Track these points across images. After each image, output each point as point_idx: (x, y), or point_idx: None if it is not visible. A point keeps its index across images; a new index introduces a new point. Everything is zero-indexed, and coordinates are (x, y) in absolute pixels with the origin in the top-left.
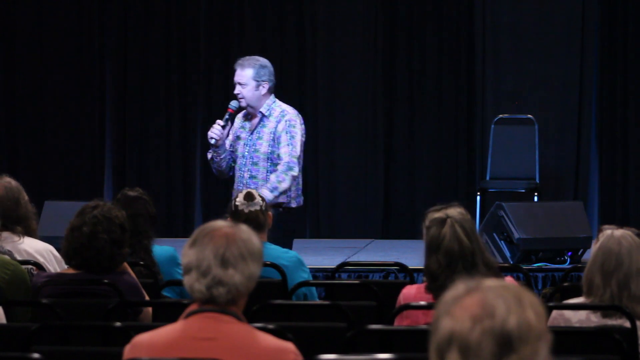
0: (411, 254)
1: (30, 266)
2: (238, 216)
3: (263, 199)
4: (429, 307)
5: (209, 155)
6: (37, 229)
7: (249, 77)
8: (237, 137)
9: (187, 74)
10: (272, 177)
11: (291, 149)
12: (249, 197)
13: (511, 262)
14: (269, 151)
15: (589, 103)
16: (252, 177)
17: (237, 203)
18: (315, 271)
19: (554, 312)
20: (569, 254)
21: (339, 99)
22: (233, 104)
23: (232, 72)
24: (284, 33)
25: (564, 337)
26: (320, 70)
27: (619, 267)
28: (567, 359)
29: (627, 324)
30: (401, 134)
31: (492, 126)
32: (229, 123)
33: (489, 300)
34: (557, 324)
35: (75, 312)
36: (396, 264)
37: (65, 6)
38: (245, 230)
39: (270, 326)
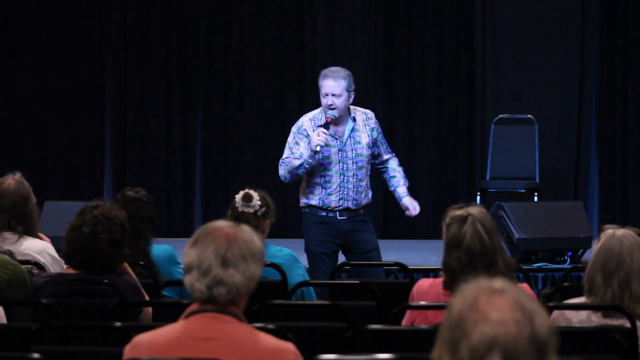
0: (411, 254)
1: (30, 266)
2: (233, 213)
3: (264, 204)
4: (429, 307)
5: (297, 162)
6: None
7: (343, 88)
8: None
9: (187, 74)
10: (398, 167)
11: (387, 144)
12: (247, 198)
13: None
14: (369, 153)
15: (589, 103)
16: (359, 180)
17: (235, 200)
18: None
19: (555, 312)
20: (569, 254)
21: None
22: (331, 114)
23: (232, 72)
24: (284, 33)
25: (564, 337)
26: (320, 70)
27: (620, 266)
28: (567, 359)
29: (628, 324)
30: (401, 134)
31: (492, 126)
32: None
33: (523, 303)
34: (558, 324)
35: (75, 312)
36: (396, 264)
37: (65, 6)
38: (246, 230)
39: (270, 326)
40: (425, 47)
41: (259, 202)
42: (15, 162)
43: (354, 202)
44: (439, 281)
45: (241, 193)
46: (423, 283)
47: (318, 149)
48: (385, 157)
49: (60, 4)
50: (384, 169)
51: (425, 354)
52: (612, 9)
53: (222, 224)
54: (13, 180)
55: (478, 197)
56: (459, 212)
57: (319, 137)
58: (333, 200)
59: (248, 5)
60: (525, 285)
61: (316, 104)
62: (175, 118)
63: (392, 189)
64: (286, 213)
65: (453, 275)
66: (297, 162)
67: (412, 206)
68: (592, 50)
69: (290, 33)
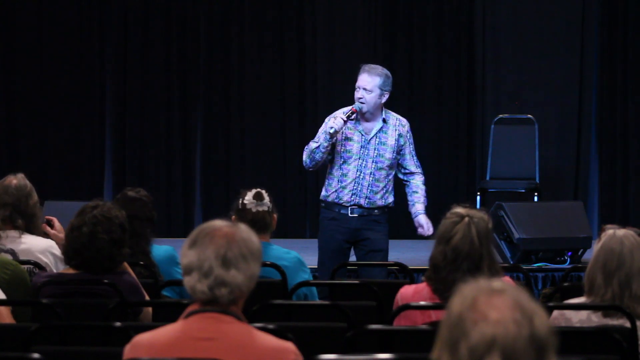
0: (411, 254)
1: (30, 266)
2: (244, 215)
3: (271, 200)
4: (429, 307)
5: (314, 145)
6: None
7: (376, 85)
8: (347, 138)
9: (187, 74)
10: (422, 185)
11: (416, 158)
12: (259, 196)
13: (511, 262)
14: (392, 157)
15: (589, 103)
16: (375, 180)
17: (245, 201)
18: (315, 271)
19: (555, 312)
20: (569, 254)
21: (339, 98)
22: (358, 105)
23: (232, 72)
24: (284, 33)
25: (564, 337)
26: (320, 70)
27: (620, 266)
28: (567, 359)
29: (628, 324)
30: None
31: (492, 126)
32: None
33: (523, 303)
34: (558, 324)
35: (75, 312)
36: (396, 264)
37: (65, 7)
38: (244, 229)
39: (270, 326)
40: (425, 47)
41: (269, 198)
42: (15, 162)
43: (367, 200)
44: (422, 286)
45: (250, 194)
46: (406, 290)
47: (332, 131)
48: (411, 169)
49: (60, 4)
50: (406, 183)
51: (425, 354)
52: (612, 9)
53: (219, 223)
54: (15, 178)
55: (478, 197)
56: (459, 210)
57: (335, 121)
58: (346, 194)
59: (248, 5)
60: (506, 279)
61: (316, 104)
62: (175, 118)
63: (411, 204)
64: (286, 213)
65: (436, 269)
66: (314, 145)
67: (427, 226)
68: (592, 50)
69: (290, 33)
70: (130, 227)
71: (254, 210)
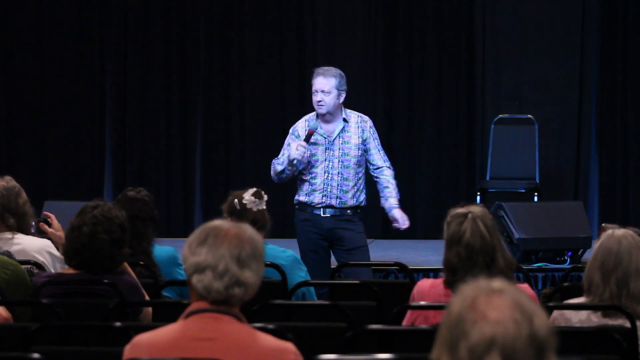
0: (411, 254)
1: (30, 266)
2: (244, 215)
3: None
4: (427, 307)
5: (279, 168)
6: (34, 229)
7: (333, 86)
8: (312, 143)
9: (187, 74)
10: (392, 180)
11: (383, 152)
12: (259, 195)
13: None
14: (358, 154)
15: (589, 103)
16: (344, 179)
17: (245, 202)
18: None
19: (555, 312)
20: (569, 254)
21: None
22: (313, 125)
23: (232, 72)
24: (284, 33)
25: (564, 337)
26: None
27: (618, 265)
28: (567, 359)
29: (628, 324)
30: (401, 134)
31: (492, 126)
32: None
33: (522, 303)
34: (558, 324)
35: (75, 312)
36: (396, 264)
37: (65, 7)
38: (250, 229)
39: (270, 326)
40: (425, 47)
41: (266, 197)
42: (15, 162)
43: (338, 200)
44: (439, 281)
45: (248, 194)
46: (423, 284)
47: (295, 162)
48: (379, 164)
49: (60, 4)
50: (377, 178)
51: (425, 354)
52: (612, 9)
53: (226, 223)
54: (3, 180)
55: (478, 197)
56: (460, 210)
57: (297, 151)
58: (317, 197)
59: (248, 5)
60: (525, 286)
61: None
62: (175, 118)
63: (384, 199)
64: (286, 213)
65: (453, 271)
66: (279, 168)
67: (402, 220)
68: (592, 50)
69: (290, 33)
70: (132, 227)
71: (254, 209)
